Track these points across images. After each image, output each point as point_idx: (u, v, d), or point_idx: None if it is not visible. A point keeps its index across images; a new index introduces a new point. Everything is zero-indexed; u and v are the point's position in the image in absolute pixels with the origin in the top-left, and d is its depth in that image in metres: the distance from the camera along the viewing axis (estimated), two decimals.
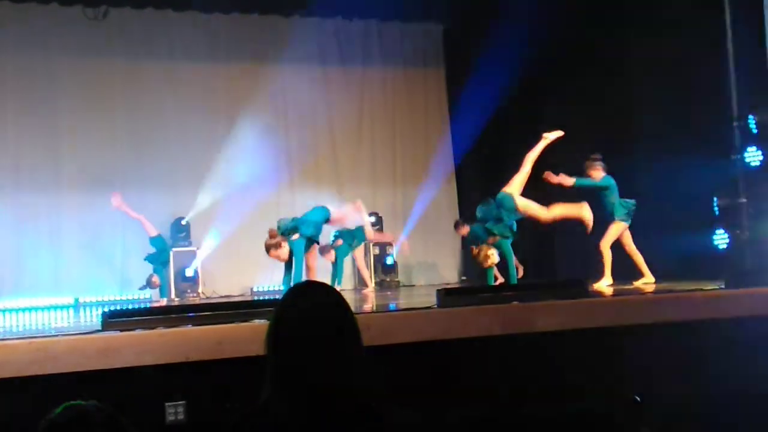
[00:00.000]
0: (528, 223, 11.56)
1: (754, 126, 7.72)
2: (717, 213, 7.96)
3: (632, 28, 9.71)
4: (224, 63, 11.81)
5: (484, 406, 2.16)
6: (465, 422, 2.12)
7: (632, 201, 8.00)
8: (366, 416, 2.01)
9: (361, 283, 11.97)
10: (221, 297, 10.88)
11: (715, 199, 7.96)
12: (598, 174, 8.14)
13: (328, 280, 8.64)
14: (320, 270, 8.83)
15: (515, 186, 8.05)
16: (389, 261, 11.82)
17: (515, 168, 8.24)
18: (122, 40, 11.30)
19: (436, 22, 12.98)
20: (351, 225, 9.69)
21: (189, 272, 10.97)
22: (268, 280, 11.55)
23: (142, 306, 7.90)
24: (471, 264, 9.21)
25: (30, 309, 9.84)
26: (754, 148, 7.79)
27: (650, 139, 9.46)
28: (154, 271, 10.37)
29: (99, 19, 10.77)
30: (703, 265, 7.79)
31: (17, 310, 9.81)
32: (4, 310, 9.92)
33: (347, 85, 12.58)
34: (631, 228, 8.13)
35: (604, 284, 7.81)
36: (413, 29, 12.91)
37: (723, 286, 6.07)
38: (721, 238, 8.00)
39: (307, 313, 2.08)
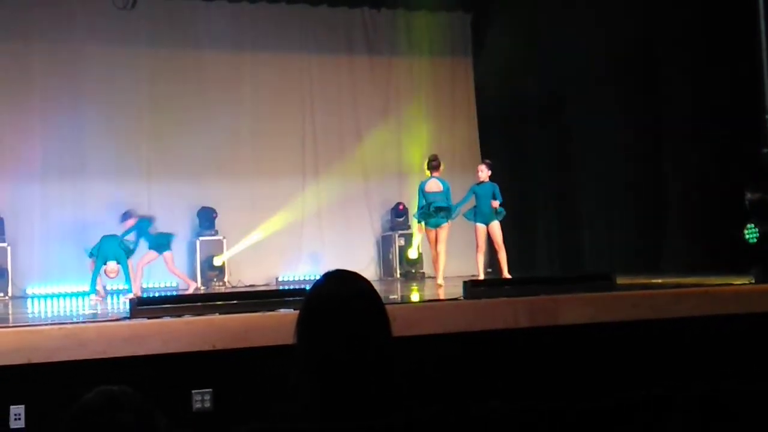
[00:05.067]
0: (551, 216, 11.54)
1: None
2: (747, 207, 7.86)
3: (662, 20, 9.60)
4: (250, 52, 11.82)
5: (510, 399, 2.14)
6: (491, 414, 2.10)
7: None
8: (393, 405, 2.01)
9: (386, 273, 11.99)
10: (247, 286, 10.92)
11: (746, 193, 7.87)
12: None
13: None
14: None
15: None
16: (413, 254, 11.81)
17: (541, 157, 8.26)
18: (149, 30, 11.34)
19: (464, 11, 12.92)
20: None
21: (217, 262, 11.02)
22: (294, 269, 11.62)
23: (170, 294, 7.97)
24: (492, 256, 9.20)
25: (59, 295, 9.95)
26: None
27: (680, 132, 9.37)
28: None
29: (128, 9, 10.82)
30: (733, 260, 7.71)
31: (48, 296, 9.93)
32: (34, 296, 10.05)
33: (374, 74, 12.55)
34: (659, 220, 8.08)
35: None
36: (440, 19, 12.84)
37: (753, 281, 6.00)
38: (751, 233, 7.90)
39: (338, 300, 2.08)
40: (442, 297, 6.58)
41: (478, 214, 8.84)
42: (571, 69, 10.65)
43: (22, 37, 10.75)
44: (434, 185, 8.94)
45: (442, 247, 8.92)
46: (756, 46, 7.79)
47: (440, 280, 8.90)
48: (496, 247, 8.83)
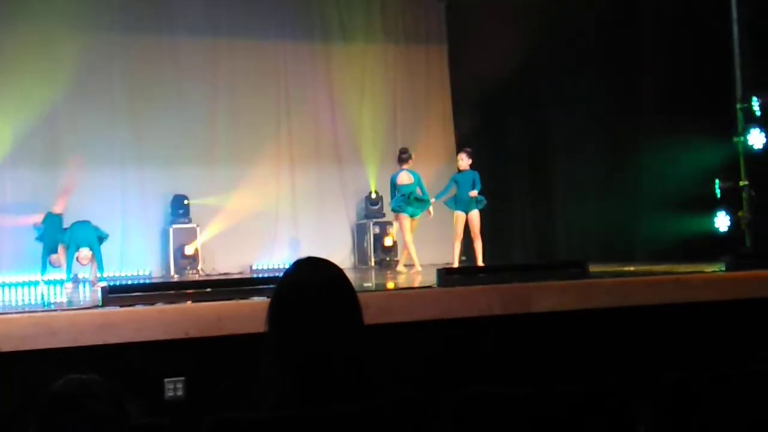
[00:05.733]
0: (526, 204, 11.60)
1: (758, 108, 7.70)
2: (719, 195, 7.96)
3: (642, 10, 9.64)
4: (225, 37, 11.73)
5: (483, 387, 2.16)
6: (465, 401, 2.11)
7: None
8: (366, 390, 2.01)
9: (360, 261, 12.00)
10: (221, 274, 10.88)
11: (717, 181, 7.96)
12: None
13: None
14: None
15: None
16: (388, 241, 11.82)
17: (516, 145, 8.34)
18: (122, 14, 11.21)
19: None
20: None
21: (189, 250, 10.96)
22: (268, 257, 11.58)
23: (143, 282, 7.92)
24: (468, 244, 9.28)
25: (29, 284, 9.85)
26: (757, 131, 7.78)
27: (653, 119, 9.43)
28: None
29: None
30: (704, 248, 7.80)
31: (17, 285, 9.83)
32: (3, 285, 9.93)
33: (348, 61, 12.51)
34: (632, 208, 8.16)
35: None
36: (415, 5, 12.83)
37: (723, 269, 6.07)
38: (722, 221, 8.00)
39: (309, 287, 2.08)
40: (415, 285, 6.60)
41: (459, 202, 8.90)
42: (547, 58, 10.69)
43: None
44: (405, 177, 9.11)
45: (410, 237, 9.14)
46: (727, 36, 7.86)
47: (419, 267, 9.07)
48: (473, 236, 8.90)
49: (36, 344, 4.09)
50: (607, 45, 9.94)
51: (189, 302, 4.60)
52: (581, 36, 10.20)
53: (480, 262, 8.79)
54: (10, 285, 9.84)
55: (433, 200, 9.23)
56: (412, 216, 9.08)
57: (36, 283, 9.67)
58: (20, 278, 10.10)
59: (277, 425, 1.97)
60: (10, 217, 10.45)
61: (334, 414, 1.93)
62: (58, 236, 9.48)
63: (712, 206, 8.11)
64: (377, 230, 11.94)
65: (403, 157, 9.25)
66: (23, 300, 7.23)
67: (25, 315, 4.30)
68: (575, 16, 10.13)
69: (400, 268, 9.51)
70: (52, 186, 10.72)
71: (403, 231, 9.27)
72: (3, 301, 7.24)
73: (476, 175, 8.89)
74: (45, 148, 10.82)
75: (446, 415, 2.06)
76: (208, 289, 4.93)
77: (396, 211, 9.29)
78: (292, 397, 2.01)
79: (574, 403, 2.20)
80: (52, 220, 9.84)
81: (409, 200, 9.02)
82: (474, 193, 8.77)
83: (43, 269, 9.48)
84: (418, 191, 9.20)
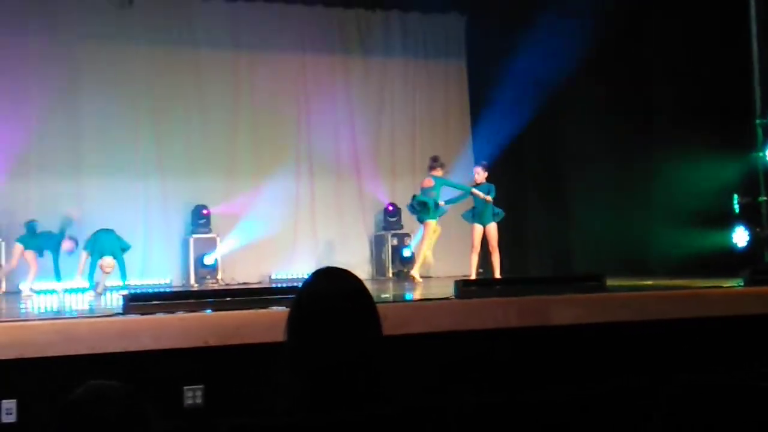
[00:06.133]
0: (542, 218, 11.60)
1: None
2: (737, 210, 7.93)
3: (656, 24, 9.64)
4: (246, 52, 11.84)
5: (501, 396, 2.18)
6: (481, 410, 2.13)
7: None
8: (381, 401, 2.04)
9: (378, 273, 12.02)
10: (240, 284, 10.94)
11: (735, 196, 7.93)
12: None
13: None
14: None
15: None
16: (406, 253, 11.85)
17: (535, 160, 8.35)
18: (146, 29, 11.35)
19: (459, 13, 12.95)
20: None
21: (209, 260, 11.04)
22: (287, 267, 11.64)
23: (163, 290, 7.98)
24: (485, 256, 9.30)
25: (52, 291, 9.94)
26: None
27: (671, 135, 9.42)
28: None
29: (125, 7, 10.82)
30: (722, 263, 7.76)
31: (40, 292, 9.91)
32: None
33: (368, 75, 12.58)
34: (649, 222, 8.15)
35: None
36: (435, 20, 12.89)
37: (742, 284, 6.05)
38: (740, 236, 7.97)
39: (329, 298, 2.09)
40: (433, 297, 6.62)
41: (476, 215, 8.94)
42: (564, 71, 10.70)
43: (19, 34, 10.73)
44: (427, 182, 9.25)
45: (428, 244, 9.44)
46: (747, 51, 7.85)
47: (417, 275, 9.47)
48: (491, 248, 8.91)
49: (57, 351, 4.15)
50: (623, 57, 9.93)
51: (208, 311, 4.65)
52: (597, 48, 10.20)
53: (497, 275, 8.81)
54: (33, 293, 9.93)
55: (441, 202, 9.27)
56: (421, 220, 9.22)
57: (54, 291, 9.76)
58: (41, 286, 10.18)
59: (289, 431, 1.99)
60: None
61: (345, 420, 1.96)
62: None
63: (730, 221, 8.07)
64: (395, 242, 11.97)
65: (432, 165, 9.43)
66: (45, 307, 7.31)
67: (47, 322, 4.36)
68: (591, 27, 10.15)
69: (416, 276, 9.53)
70: (75, 196, 10.85)
71: (423, 237, 9.39)
72: (25, 308, 7.32)
73: (492, 188, 8.94)
74: (68, 158, 10.94)
75: (454, 422, 2.08)
76: (228, 299, 4.99)
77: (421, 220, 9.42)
78: (307, 406, 2.03)
79: (588, 411, 2.22)
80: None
81: (427, 207, 9.14)
82: (489, 198, 8.83)
83: (58, 276, 9.48)
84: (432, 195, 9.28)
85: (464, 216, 9.17)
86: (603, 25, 9.95)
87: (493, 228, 8.90)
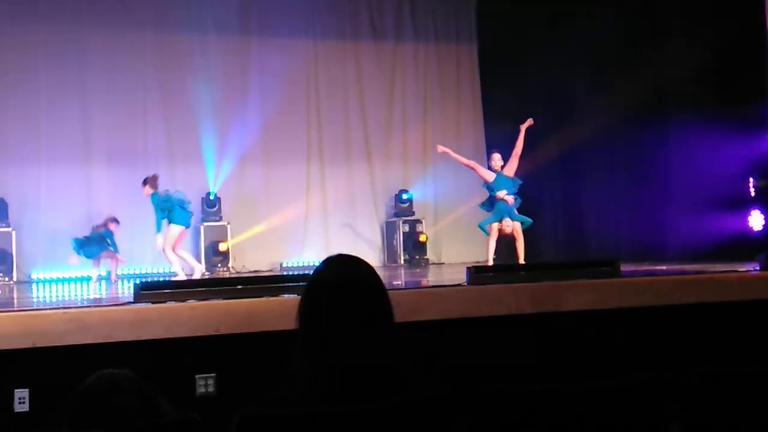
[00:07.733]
0: (557, 203, 11.52)
1: None
2: (753, 194, 7.85)
3: (671, 5, 9.53)
4: (256, 36, 11.79)
5: (514, 383, 2.15)
6: (496, 398, 2.10)
7: None
8: (394, 388, 2.01)
9: (390, 260, 12.00)
10: (251, 272, 10.94)
11: (751, 179, 7.85)
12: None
13: None
14: None
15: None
16: (420, 239, 11.80)
17: (546, 144, 8.23)
18: (153, 13, 11.31)
19: None
20: None
21: (221, 247, 11.02)
22: (298, 255, 11.63)
23: (174, 279, 7.98)
24: (501, 242, 9.13)
25: (64, 280, 9.98)
26: None
27: (686, 117, 9.33)
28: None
29: None
30: (738, 247, 7.69)
31: (52, 281, 9.96)
32: (38, 281, 10.07)
33: (379, 60, 12.52)
34: (664, 206, 8.07)
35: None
36: (445, 4, 12.80)
37: (758, 268, 5.98)
38: (756, 220, 7.90)
39: (340, 285, 2.08)
40: (445, 283, 6.58)
41: (496, 206, 8.63)
42: (578, 55, 10.61)
43: (28, 22, 10.72)
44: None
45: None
46: (762, 33, 7.75)
47: None
48: (516, 234, 8.56)
49: (70, 340, 4.14)
50: (638, 40, 9.83)
51: (220, 299, 4.64)
52: (610, 31, 10.11)
53: (521, 261, 8.58)
54: (44, 281, 9.98)
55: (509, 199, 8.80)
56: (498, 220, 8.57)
57: (68, 280, 9.81)
58: (53, 275, 10.23)
59: (303, 421, 1.98)
60: (44, 217, 10.60)
61: (359, 410, 1.94)
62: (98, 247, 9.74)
63: (746, 205, 8.00)
64: (407, 228, 11.93)
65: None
66: (57, 296, 7.33)
67: (60, 311, 4.35)
68: (604, 9, 10.05)
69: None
70: (85, 186, 10.87)
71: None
72: (38, 297, 7.34)
73: (518, 183, 8.64)
74: (78, 146, 10.95)
75: (471, 412, 2.05)
76: (239, 287, 4.97)
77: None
78: (319, 394, 2.01)
79: (604, 399, 2.19)
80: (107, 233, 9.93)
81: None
82: (511, 199, 8.50)
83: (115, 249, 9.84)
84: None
85: (482, 206, 8.89)
86: (617, 6, 9.86)
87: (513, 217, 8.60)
